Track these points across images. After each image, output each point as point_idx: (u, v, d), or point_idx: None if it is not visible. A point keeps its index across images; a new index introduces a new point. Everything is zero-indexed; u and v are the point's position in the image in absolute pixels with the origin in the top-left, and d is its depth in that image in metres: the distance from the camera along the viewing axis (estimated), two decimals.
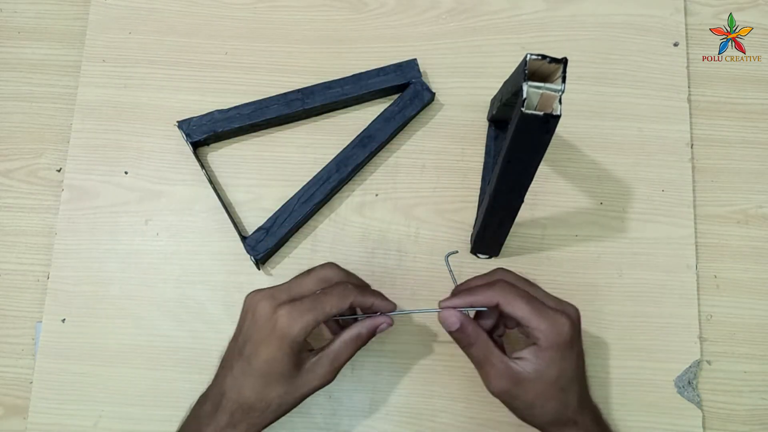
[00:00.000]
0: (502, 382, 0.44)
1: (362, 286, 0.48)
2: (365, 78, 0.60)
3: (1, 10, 0.65)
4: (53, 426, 0.55)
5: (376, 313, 0.47)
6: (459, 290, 0.48)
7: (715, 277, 0.59)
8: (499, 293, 0.44)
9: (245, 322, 0.45)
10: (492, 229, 0.54)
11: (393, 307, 0.48)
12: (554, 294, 0.57)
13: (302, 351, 0.44)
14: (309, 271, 0.47)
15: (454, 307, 0.46)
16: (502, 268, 0.48)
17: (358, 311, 0.49)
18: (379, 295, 0.47)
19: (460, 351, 0.56)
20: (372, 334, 0.47)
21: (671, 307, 0.58)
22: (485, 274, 0.48)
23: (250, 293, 0.46)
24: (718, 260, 0.60)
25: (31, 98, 0.62)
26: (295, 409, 0.54)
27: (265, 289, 0.46)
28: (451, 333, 0.46)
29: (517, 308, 0.43)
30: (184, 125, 0.58)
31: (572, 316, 0.45)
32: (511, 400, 0.45)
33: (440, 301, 0.47)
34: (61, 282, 0.57)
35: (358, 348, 0.46)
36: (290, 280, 0.47)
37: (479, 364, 0.46)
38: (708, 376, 0.57)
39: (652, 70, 0.63)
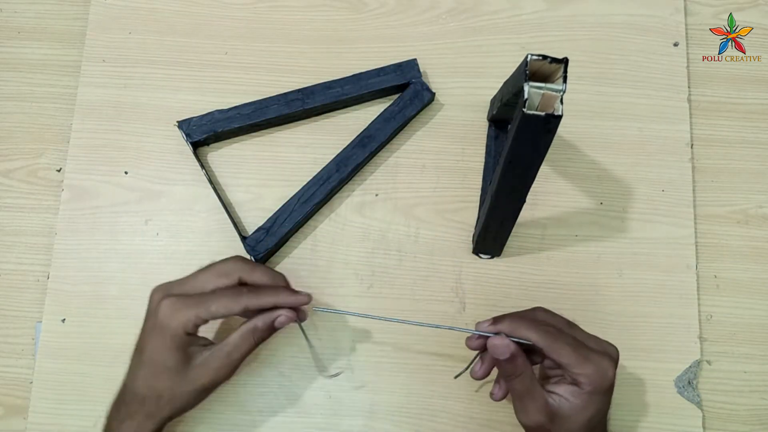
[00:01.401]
0: (537, 417, 0.43)
1: (262, 288, 0.46)
2: (365, 78, 0.60)
3: (1, 10, 0.65)
4: (53, 426, 0.55)
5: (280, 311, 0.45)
6: (502, 319, 0.45)
7: (715, 277, 0.59)
8: (543, 336, 0.43)
9: (145, 313, 0.45)
10: (494, 229, 0.54)
11: (305, 300, 0.46)
12: (554, 294, 0.58)
13: (190, 345, 0.44)
14: (210, 265, 0.46)
15: (495, 332, 0.45)
16: (541, 308, 0.47)
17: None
18: (283, 291, 0.46)
19: (460, 351, 0.56)
20: (270, 327, 0.45)
21: (671, 307, 0.58)
22: (527, 311, 0.47)
23: (158, 285, 0.46)
24: (718, 260, 0.60)
25: (31, 98, 0.62)
26: (295, 409, 0.55)
27: (165, 283, 0.46)
28: (498, 361, 0.44)
29: (563, 354, 0.42)
30: (184, 125, 0.58)
31: (614, 358, 0.44)
32: None
33: (477, 324, 0.46)
34: (61, 282, 0.57)
35: (258, 342, 0.45)
36: (192, 273, 0.46)
37: (519, 396, 0.44)
38: (708, 376, 0.57)
39: (652, 70, 0.63)
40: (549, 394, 0.43)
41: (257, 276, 0.46)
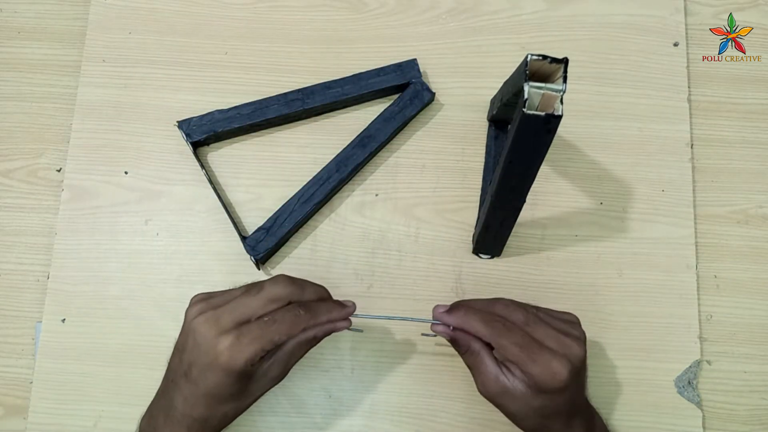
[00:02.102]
0: (488, 390, 0.45)
1: (314, 305, 0.45)
2: (365, 78, 0.60)
3: (1, 10, 0.65)
4: (53, 426, 0.55)
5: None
6: (456, 308, 0.47)
7: (715, 277, 0.59)
8: (492, 332, 0.44)
9: (187, 342, 0.42)
10: (494, 229, 0.54)
11: (352, 311, 0.46)
12: (554, 294, 0.58)
13: (250, 373, 0.42)
14: (257, 289, 0.43)
15: (445, 324, 0.47)
16: (503, 301, 0.46)
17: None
18: (334, 307, 0.46)
19: None
20: (328, 333, 0.46)
21: (671, 307, 0.58)
22: (488, 301, 0.47)
23: (192, 305, 0.43)
24: (718, 260, 0.60)
25: (31, 98, 0.62)
26: (295, 409, 0.55)
27: (206, 304, 0.43)
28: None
29: (510, 353, 0.43)
30: (184, 125, 0.58)
31: (573, 359, 0.43)
32: (496, 405, 0.46)
33: (435, 307, 0.48)
34: (61, 282, 0.57)
35: (311, 347, 0.45)
36: (236, 296, 0.43)
37: (470, 368, 0.47)
38: (708, 376, 0.57)
39: (652, 70, 0.63)
40: (505, 372, 0.44)
41: (307, 295, 0.45)
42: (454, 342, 0.47)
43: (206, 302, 0.43)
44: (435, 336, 0.51)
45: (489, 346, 0.45)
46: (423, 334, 0.55)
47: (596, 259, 0.59)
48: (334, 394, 0.56)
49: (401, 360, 0.56)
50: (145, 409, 0.51)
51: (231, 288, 0.45)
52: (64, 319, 0.57)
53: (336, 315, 0.45)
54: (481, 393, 0.46)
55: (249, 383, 0.43)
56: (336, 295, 0.57)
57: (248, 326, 0.41)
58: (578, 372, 0.44)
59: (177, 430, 0.43)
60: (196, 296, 0.44)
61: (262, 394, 0.45)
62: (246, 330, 0.41)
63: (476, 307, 0.46)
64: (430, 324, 0.48)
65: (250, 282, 0.45)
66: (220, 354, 0.40)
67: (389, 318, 0.52)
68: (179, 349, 0.44)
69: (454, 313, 0.46)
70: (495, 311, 0.45)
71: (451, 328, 0.46)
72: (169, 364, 0.45)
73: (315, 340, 0.45)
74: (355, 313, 0.47)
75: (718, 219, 0.61)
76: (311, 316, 0.44)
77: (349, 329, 0.49)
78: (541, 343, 0.43)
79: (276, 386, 0.55)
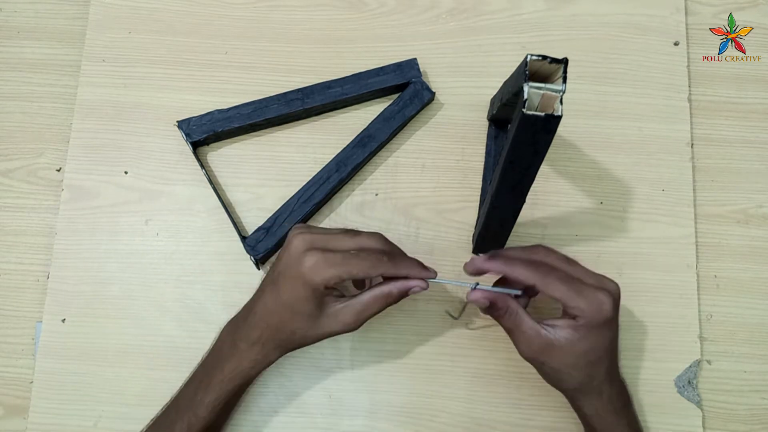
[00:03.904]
0: (531, 348, 0.46)
1: (399, 257, 0.48)
2: (365, 77, 0.60)
3: (1, 10, 0.65)
4: (53, 426, 0.55)
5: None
6: (497, 256, 0.47)
7: (715, 277, 0.59)
8: (537, 274, 0.44)
9: (282, 255, 0.46)
10: (494, 229, 0.54)
11: (433, 275, 0.48)
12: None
13: (326, 296, 0.46)
14: (356, 234, 0.47)
15: (487, 269, 0.47)
16: (542, 246, 0.48)
17: None
18: (416, 265, 0.47)
19: (460, 351, 0.56)
20: (403, 294, 0.47)
21: (671, 307, 0.58)
22: (526, 248, 0.48)
23: (294, 229, 0.47)
24: (718, 260, 0.60)
25: (31, 98, 0.62)
26: (295, 409, 0.55)
27: (310, 228, 0.47)
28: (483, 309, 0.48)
29: (555, 290, 0.44)
30: (184, 125, 0.58)
31: (613, 293, 0.45)
32: (539, 365, 0.47)
33: (471, 260, 0.48)
34: (61, 282, 0.57)
35: (388, 305, 0.47)
36: (336, 232, 0.47)
37: (510, 331, 0.47)
38: (708, 376, 0.57)
39: (653, 70, 0.63)
40: (546, 327, 0.45)
41: (393, 252, 0.48)
42: (491, 307, 0.47)
43: (307, 228, 0.47)
44: (457, 318, 0.54)
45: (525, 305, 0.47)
46: (447, 312, 0.56)
47: (596, 259, 0.59)
48: (334, 394, 0.56)
49: (401, 360, 0.56)
50: (145, 409, 0.51)
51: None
52: (64, 319, 0.57)
53: (415, 272, 0.47)
54: (524, 355, 0.46)
55: (321, 312, 0.46)
56: None
57: (334, 253, 0.45)
58: (618, 307, 0.46)
59: (252, 331, 0.47)
60: (301, 224, 0.49)
61: (330, 334, 0.47)
62: (331, 255, 0.44)
63: (516, 255, 0.47)
64: (450, 310, 0.50)
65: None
66: (303, 267, 0.44)
67: (445, 282, 0.51)
68: (274, 262, 0.48)
69: (495, 260, 0.46)
70: (535, 256, 0.47)
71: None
72: (265, 275, 0.49)
73: (390, 297, 0.46)
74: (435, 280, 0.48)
75: (718, 219, 0.61)
76: (393, 264, 0.46)
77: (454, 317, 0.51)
78: (582, 281, 0.45)
79: (276, 386, 0.55)
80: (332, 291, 0.46)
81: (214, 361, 0.50)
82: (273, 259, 0.58)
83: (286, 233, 0.56)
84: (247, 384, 0.50)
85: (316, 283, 0.44)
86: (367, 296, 0.46)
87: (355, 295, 0.47)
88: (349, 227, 0.49)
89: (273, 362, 0.49)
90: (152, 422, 0.50)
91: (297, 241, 0.45)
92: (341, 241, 0.46)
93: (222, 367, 0.48)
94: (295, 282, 0.44)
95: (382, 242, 0.48)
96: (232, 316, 0.51)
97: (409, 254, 0.58)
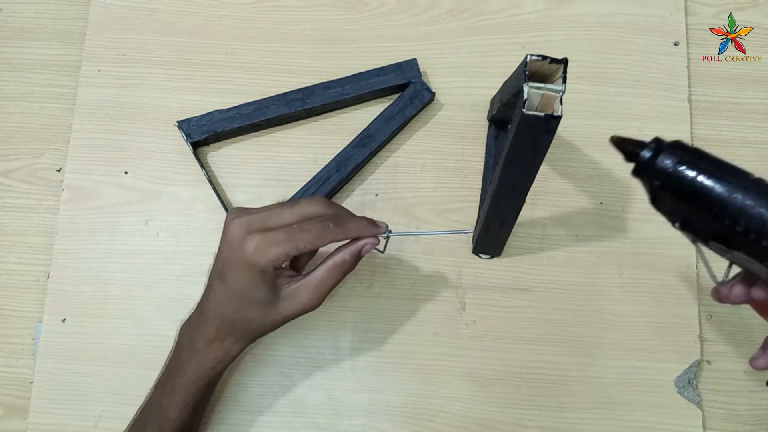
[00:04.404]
0: None
1: (345, 219, 0.45)
2: (365, 78, 0.60)
3: (1, 10, 0.65)
4: (53, 426, 0.55)
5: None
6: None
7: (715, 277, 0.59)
8: None
9: (222, 245, 0.44)
10: (494, 229, 0.54)
11: (383, 229, 0.46)
12: (554, 294, 0.58)
13: (278, 278, 0.44)
14: (294, 204, 0.45)
15: None
16: None
17: None
18: (366, 224, 0.45)
19: (460, 351, 0.56)
20: (357, 257, 0.45)
21: (671, 307, 0.58)
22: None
23: (229, 214, 0.44)
24: (718, 260, 0.59)
25: (31, 98, 0.62)
26: (295, 409, 0.55)
27: (244, 210, 0.44)
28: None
29: None
30: (184, 125, 0.58)
31: None
32: None
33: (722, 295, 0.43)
34: (61, 282, 0.57)
35: (345, 273, 0.45)
36: (272, 208, 0.44)
37: None
38: (708, 376, 0.57)
39: (653, 70, 0.63)
40: None
41: (338, 214, 0.46)
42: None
43: (243, 210, 0.44)
44: (383, 252, 0.51)
45: None
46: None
47: (596, 259, 0.59)
48: (334, 394, 0.56)
49: (401, 360, 0.56)
50: None
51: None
52: (64, 319, 0.57)
53: (367, 231, 0.45)
54: None
55: (276, 296, 0.44)
56: (336, 295, 0.57)
57: (275, 231, 0.42)
58: None
59: (207, 329, 0.46)
60: (234, 208, 0.46)
61: (291, 317, 0.45)
62: (273, 233, 0.42)
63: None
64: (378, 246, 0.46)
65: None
66: (247, 251, 0.42)
67: (422, 234, 0.49)
68: (216, 254, 0.45)
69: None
70: None
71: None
72: (210, 270, 0.47)
73: (345, 265, 0.45)
74: (387, 234, 0.47)
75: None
76: (341, 229, 0.43)
77: (382, 252, 0.49)
78: None
79: (276, 386, 0.55)
80: (283, 272, 0.45)
81: (176, 364, 0.48)
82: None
83: None
84: (213, 382, 0.49)
85: (263, 266, 0.41)
86: (321, 271, 0.44)
87: (308, 273, 0.45)
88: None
89: (236, 356, 0.47)
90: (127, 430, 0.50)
91: (234, 226, 0.43)
92: (280, 216, 0.44)
93: (184, 370, 0.47)
94: (241, 269, 0.42)
95: (324, 206, 0.45)
96: (188, 316, 0.49)
97: (409, 254, 0.58)
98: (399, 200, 0.60)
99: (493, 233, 0.55)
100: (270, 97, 0.59)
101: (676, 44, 0.64)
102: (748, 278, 0.41)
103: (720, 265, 0.42)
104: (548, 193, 0.60)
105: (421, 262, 0.58)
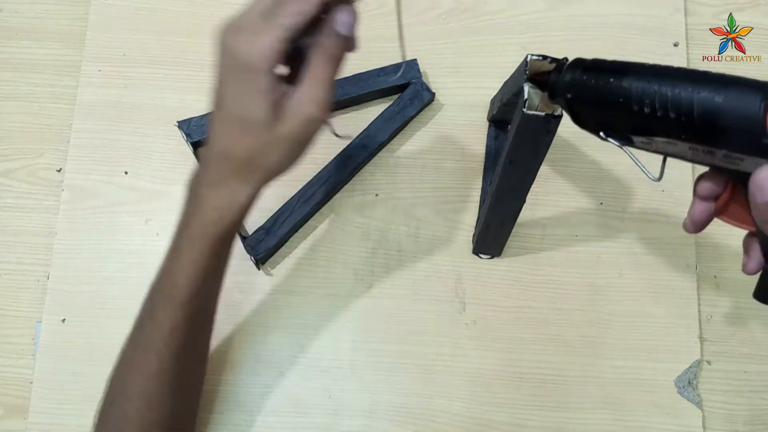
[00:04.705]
0: None
1: None
2: (365, 78, 0.60)
3: (1, 10, 0.65)
4: (53, 426, 0.55)
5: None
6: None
7: (715, 277, 0.59)
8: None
9: (216, 65, 0.38)
10: (494, 229, 0.54)
11: None
12: (554, 294, 0.58)
13: (277, 90, 0.37)
14: None
15: None
16: None
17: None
18: None
19: (460, 351, 0.56)
20: (337, 36, 0.38)
21: (671, 307, 0.58)
22: None
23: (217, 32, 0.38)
24: (718, 260, 0.60)
25: (31, 98, 0.62)
26: (295, 409, 0.55)
27: (226, 22, 0.38)
28: None
29: None
30: (185, 125, 0.58)
31: None
32: None
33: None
34: (61, 282, 0.57)
35: (335, 59, 0.39)
36: (247, 5, 0.38)
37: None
38: (708, 376, 0.57)
39: None
40: None
41: None
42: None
43: (225, 24, 0.38)
44: (341, 137, 0.48)
45: None
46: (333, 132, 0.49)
47: (596, 259, 0.59)
48: (334, 394, 0.56)
49: (401, 360, 0.56)
50: None
51: None
52: (64, 319, 0.57)
53: None
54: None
55: (276, 111, 0.37)
56: (336, 295, 0.57)
57: (256, 20, 0.36)
58: None
59: (208, 173, 0.40)
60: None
61: (297, 138, 0.39)
62: (256, 22, 0.36)
63: None
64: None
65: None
66: (236, 53, 0.36)
67: None
68: (212, 89, 0.39)
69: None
70: None
71: None
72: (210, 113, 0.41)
73: (329, 49, 0.38)
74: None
75: (718, 219, 0.60)
76: None
77: (336, 135, 0.47)
78: None
79: (276, 386, 0.55)
80: (281, 86, 0.38)
81: (182, 221, 0.43)
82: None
83: (286, 233, 0.56)
84: (223, 240, 0.43)
85: (257, 64, 0.36)
86: (310, 68, 0.38)
87: (298, 76, 0.39)
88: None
89: (246, 205, 0.41)
90: (142, 304, 0.45)
91: (223, 34, 0.37)
92: (258, 5, 0.37)
93: (188, 225, 0.42)
94: (235, 80, 0.37)
95: None
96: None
97: (409, 254, 0.58)
98: (399, 200, 0.60)
99: (493, 233, 0.55)
100: None
101: (675, 45, 0.64)
102: (698, 191, 0.41)
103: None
104: (548, 193, 0.60)
105: (421, 262, 0.58)
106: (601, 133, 0.38)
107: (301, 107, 0.38)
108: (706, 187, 0.39)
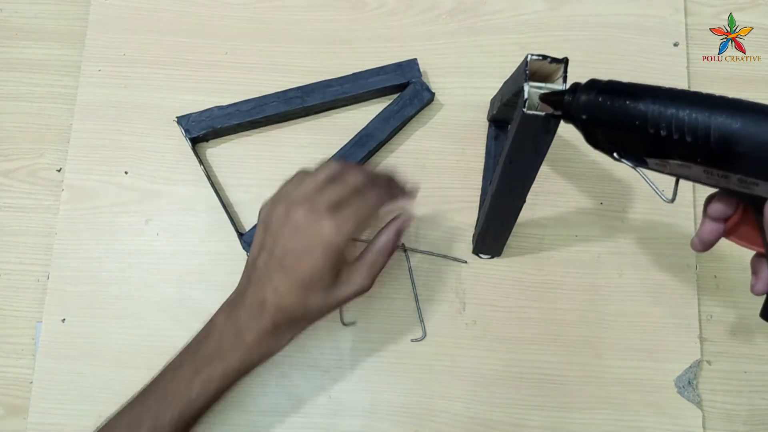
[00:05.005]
0: None
1: (382, 182, 0.47)
2: (365, 77, 0.60)
3: (1, 10, 0.65)
4: (53, 426, 0.55)
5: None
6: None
7: (715, 277, 0.59)
8: None
9: (283, 231, 0.44)
10: (494, 229, 0.54)
11: (415, 192, 0.50)
12: (554, 294, 0.58)
13: (342, 261, 0.45)
14: (340, 177, 0.46)
15: None
16: None
17: None
18: (397, 184, 0.48)
19: (460, 351, 0.56)
20: (399, 235, 0.47)
21: (671, 307, 0.58)
22: None
23: (277, 200, 0.45)
24: (718, 260, 0.60)
25: (31, 98, 0.62)
26: (295, 409, 0.55)
27: (295, 195, 0.45)
28: None
29: None
30: (183, 121, 0.58)
31: None
32: None
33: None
34: (61, 282, 0.57)
35: (391, 253, 0.47)
36: (321, 187, 0.45)
37: None
38: (708, 376, 0.57)
39: (653, 70, 0.63)
40: None
41: (382, 179, 0.48)
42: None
43: (294, 196, 0.45)
44: (421, 340, 0.54)
45: None
46: (413, 340, 0.56)
47: (596, 259, 0.59)
48: (334, 394, 0.56)
49: (401, 360, 0.56)
50: None
51: (287, 181, 0.48)
52: (64, 319, 0.57)
53: (404, 194, 0.48)
54: None
55: (335, 279, 0.44)
56: None
57: (340, 206, 0.43)
58: None
59: (263, 322, 0.44)
60: (268, 202, 0.47)
61: (345, 301, 0.46)
62: (339, 210, 0.43)
63: None
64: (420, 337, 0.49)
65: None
66: (326, 234, 0.42)
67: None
68: (267, 243, 0.45)
69: None
70: None
71: None
72: (254, 262, 0.46)
73: (390, 244, 0.47)
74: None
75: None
76: (389, 192, 0.47)
77: (344, 323, 0.53)
78: None
79: (276, 386, 0.55)
80: (344, 255, 0.45)
81: (215, 352, 0.46)
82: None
83: None
84: (251, 371, 0.47)
85: (341, 245, 0.43)
86: (371, 253, 0.46)
87: (359, 256, 0.46)
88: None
89: (284, 347, 0.46)
90: (128, 407, 0.46)
91: (297, 211, 0.44)
92: (335, 192, 0.45)
93: (226, 358, 0.45)
94: (314, 254, 0.43)
95: (364, 173, 0.47)
96: (225, 302, 0.48)
97: (409, 254, 0.58)
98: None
99: (493, 233, 0.55)
100: (269, 95, 0.59)
101: (675, 44, 0.64)
102: (709, 213, 0.42)
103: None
104: (548, 193, 0.60)
105: (421, 262, 0.58)
106: (615, 154, 0.38)
107: (357, 279, 0.46)
108: (717, 208, 0.41)
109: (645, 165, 0.38)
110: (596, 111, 0.37)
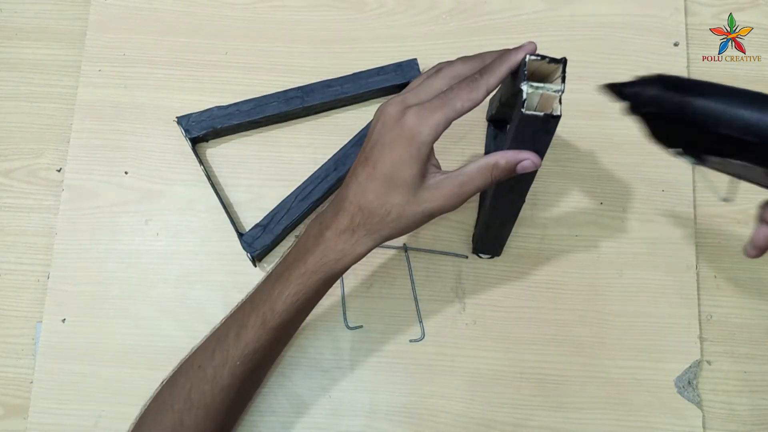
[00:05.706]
0: None
1: (490, 63, 0.43)
2: (365, 77, 0.60)
3: (1, 10, 0.65)
4: (53, 426, 0.55)
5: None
6: None
7: (715, 277, 0.59)
8: None
9: (374, 129, 0.43)
10: (494, 229, 0.54)
11: (533, 47, 0.42)
12: (554, 294, 0.58)
13: (430, 160, 0.43)
14: (437, 70, 0.44)
15: None
16: None
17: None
18: (511, 52, 0.42)
19: (460, 351, 0.56)
20: (512, 169, 0.43)
21: (671, 307, 0.58)
22: None
23: (388, 102, 0.44)
24: (718, 260, 0.60)
25: (31, 98, 0.62)
26: (294, 409, 0.55)
27: (399, 95, 0.44)
28: None
29: None
30: (183, 121, 0.58)
31: None
32: None
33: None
34: (61, 282, 0.57)
35: (493, 180, 0.43)
36: (420, 80, 0.44)
37: None
38: (708, 376, 0.57)
39: (653, 70, 0.61)
40: None
41: (488, 60, 0.44)
42: None
43: (395, 96, 0.44)
44: (420, 340, 0.54)
45: None
46: (411, 341, 0.56)
47: (596, 259, 0.59)
48: (334, 394, 0.56)
49: (401, 360, 0.56)
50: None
51: None
52: (64, 319, 0.57)
53: (514, 58, 0.42)
54: None
55: (423, 181, 0.43)
56: (335, 295, 0.57)
57: (430, 101, 0.42)
58: None
59: (340, 218, 0.44)
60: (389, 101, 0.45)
61: (428, 213, 0.43)
62: (428, 102, 0.42)
63: None
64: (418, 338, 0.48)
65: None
66: (406, 124, 0.41)
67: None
68: (363, 144, 0.45)
69: None
70: None
71: None
72: (351, 168, 0.45)
73: (497, 170, 0.43)
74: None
75: (718, 219, 0.60)
76: (490, 74, 0.42)
77: (348, 327, 0.52)
78: None
79: (276, 386, 0.55)
80: (433, 158, 0.44)
81: (297, 254, 0.46)
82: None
83: (283, 230, 0.56)
84: (331, 280, 0.46)
85: (423, 138, 0.41)
86: (471, 167, 0.43)
87: (457, 168, 0.44)
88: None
89: (363, 255, 0.44)
90: (226, 318, 0.47)
91: (390, 107, 0.42)
92: (430, 86, 0.43)
93: (305, 259, 0.45)
94: (397, 145, 0.41)
95: (466, 61, 0.44)
96: (319, 212, 0.47)
97: (408, 254, 0.58)
98: None
99: (493, 233, 0.55)
100: (270, 95, 0.59)
101: (676, 44, 0.64)
102: (765, 218, 0.43)
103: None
104: (548, 193, 0.60)
105: (421, 262, 0.58)
106: (678, 150, 0.39)
107: (446, 189, 0.43)
108: None
109: (704, 163, 0.39)
110: (662, 106, 0.38)
